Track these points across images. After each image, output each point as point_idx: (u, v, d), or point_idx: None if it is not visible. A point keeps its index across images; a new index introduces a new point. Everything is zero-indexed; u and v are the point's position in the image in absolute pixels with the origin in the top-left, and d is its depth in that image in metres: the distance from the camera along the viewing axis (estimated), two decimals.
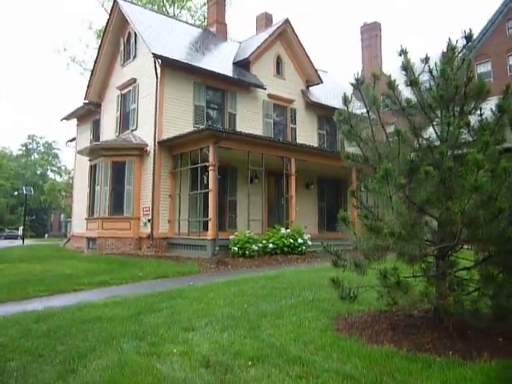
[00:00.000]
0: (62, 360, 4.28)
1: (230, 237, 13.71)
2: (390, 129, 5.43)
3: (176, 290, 8.04)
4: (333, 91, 23.52)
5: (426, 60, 5.53)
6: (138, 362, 4.13)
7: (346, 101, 5.54)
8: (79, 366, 4.09)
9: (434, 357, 4.08)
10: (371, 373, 3.73)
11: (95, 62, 19.91)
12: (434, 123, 5.20)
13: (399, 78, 5.56)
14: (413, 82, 5.27)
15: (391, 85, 5.41)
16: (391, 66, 39.80)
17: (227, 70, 18.10)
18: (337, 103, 22.16)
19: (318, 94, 21.64)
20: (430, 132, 5.32)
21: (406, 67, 5.31)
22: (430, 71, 5.41)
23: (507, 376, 3.64)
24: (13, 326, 5.63)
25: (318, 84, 21.24)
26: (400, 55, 5.54)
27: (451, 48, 5.27)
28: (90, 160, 17.70)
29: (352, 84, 5.13)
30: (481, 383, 3.50)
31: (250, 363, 4.04)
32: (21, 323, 5.79)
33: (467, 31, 5.06)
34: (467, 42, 5.07)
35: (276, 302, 6.71)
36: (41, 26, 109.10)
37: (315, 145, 20.03)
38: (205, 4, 37.59)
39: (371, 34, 39.11)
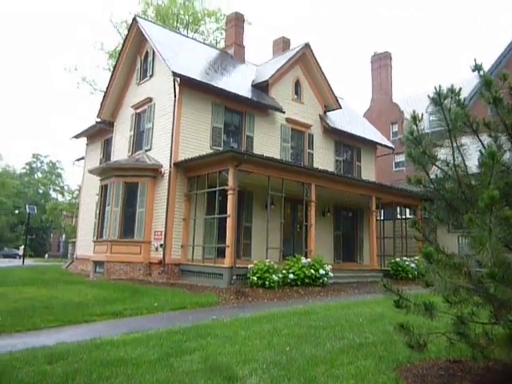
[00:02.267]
0: None
1: (249, 266, 12.89)
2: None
3: (201, 325, 7.21)
4: (348, 117, 23.08)
5: (505, 77, 4.89)
6: None
7: (415, 119, 4.86)
8: None
9: None
10: None
11: (110, 79, 19.46)
12: None
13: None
14: (496, 100, 4.60)
15: (460, 103, 4.76)
16: (400, 96, 39.64)
17: (246, 91, 17.61)
18: (352, 129, 21.69)
19: (335, 119, 21.14)
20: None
21: (489, 82, 4.65)
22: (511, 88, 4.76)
23: None
24: (23, 368, 4.81)
25: (337, 109, 20.75)
26: (474, 71, 4.90)
27: None
28: (101, 180, 17.02)
29: (432, 98, 4.45)
30: None
31: None
32: (32, 363, 4.98)
33: None
34: None
35: (320, 345, 5.89)
36: (51, 48, 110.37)
37: (332, 171, 19.38)
38: (217, 29, 37.81)
39: (382, 63, 38.95)
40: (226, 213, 13.28)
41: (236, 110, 17.31)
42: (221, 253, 13.54)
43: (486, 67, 5.04)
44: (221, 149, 15.47)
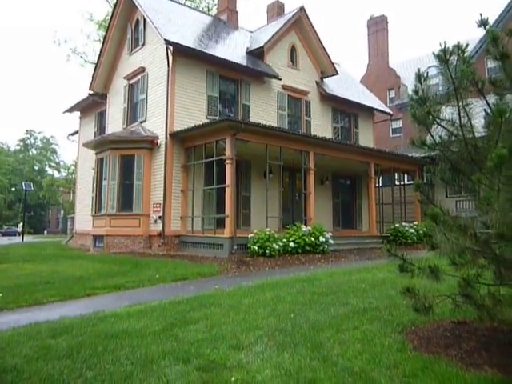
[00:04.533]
0: None
1: (249, 235, 12.87)
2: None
3: (204, 295, 7.21)
4: (345, 83, 22.72)
5: (511, 33, 4.69)
6: None
7: (420, 78, 4.70)
8: None
9: None
10: None
11: (101, 51, 18.98)
12: None
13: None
14: (503, 55, 4.42)
15: (465, 60, 4.59)
16: (397, 61, 38.96)
17: (241, 59, 17.21)
18: (349, 95, 21.38)
19: (332, 85, 20.79)
20: None
21: (496, 38, 4.46)
22: None
23: None
24: (26, 342, 4.78)
25: (334, 75, 20.39)
26: (480, 26, 4.70)
27: None
28: (96, 153, 16.80)
29: (438, 55, 4.28)
30: None
31: None
32: (35, 338, 4.95)
33: None
34: None
35: (324, 310, 5.88)
36: (39, 20, 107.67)
37: (330, 138, 19.19)
38: None
39: (378, 27, 38.14)
40: (224, 183, 13.17)
41: (231, 79, 16.96)
42: (220, 223, 13.49)
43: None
44: (217, 118, 15.21)
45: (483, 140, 4.27)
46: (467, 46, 4.42)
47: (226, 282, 8.67)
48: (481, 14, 4.67)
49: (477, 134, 4.45)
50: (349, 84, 23.45)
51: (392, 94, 35.42)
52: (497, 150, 3.41)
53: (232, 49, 17.90)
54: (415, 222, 18.06)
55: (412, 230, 17.28)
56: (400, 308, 5.73)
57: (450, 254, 4.25)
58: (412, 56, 38.71)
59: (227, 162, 13.02)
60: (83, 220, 20.44)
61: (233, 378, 3.59)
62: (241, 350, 4.30)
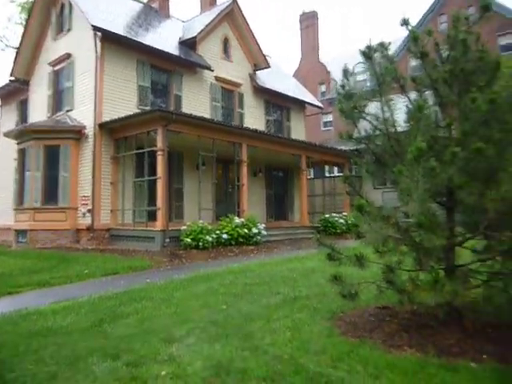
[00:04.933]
0: None
1: (182, 227, 12.73)
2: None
3: (135, 289, 7.06)
4: (278, 77, 23.02)
5: (430, 33, 4.98)
6: None
7: (346, 73, 4.87)
8: None
9: (470, 363, 3.55)
10: None
11: (23, 35, 17.81)
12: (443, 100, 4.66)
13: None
14: (423, 54, 4.69)
15: (388, 58, 4.82)
16: (328, 57, 40.00)
17: (173, 48, 16.88)
18: (281, 88, 21.70)
19: (265, 78, 20.97)
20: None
21: (416, 37, 4.71)
22: (437, 44, 4.86)
23: None
24: None
25: (266, 68, 20.56)
26: (402, 25, 4.95)
27: (459, 17, 4.74)
28: (18, 143, 15.78)
29: (363, 52, 4.45)
30: None
31: None
32: None
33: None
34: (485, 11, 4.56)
35: (256, 301, 5.98)
36: None
37: (262, 130, 19.39)
38: None
39: (309, 22, 38.87)
40: (155, 175, 12.91)
41: (163, 68, 16.60)
42: (152, 216, 13.22)
43: (413, 24, 5.11)
44: (148, 108, 14.84)
45: (405, 134, 4.49)
46: (390, 44, 4.64)
47: (157, 276, 8.53)
48: (404, 14, 4.90)
49: (399, 129, 4.68)
50: (282, 77, 23.77)
51: (323, 88, 36.35)
52: (416, 143, 3.62)
53: (164, 38, 17.51)
54: (344, 213, 18.74)
55: (341, 221, 17.92)
56: (329, 296, 5.93)
57: (375, 243, 4.48)
58: (343, 52, 39.79)
59: (159, 153, 12.76)
60: (3, 214, 19.20)
61: (163, 372, 3.56)
62: (172, 344, 4.27)
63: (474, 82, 4.45)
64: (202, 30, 17.71)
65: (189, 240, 12.23)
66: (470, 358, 3.70)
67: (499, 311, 4.07)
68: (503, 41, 26.60)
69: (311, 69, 36.95)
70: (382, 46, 4.69)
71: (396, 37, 23.17)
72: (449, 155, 3.82)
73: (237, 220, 13.60)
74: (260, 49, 20.13)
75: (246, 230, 13.44)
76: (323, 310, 5.35)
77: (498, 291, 4.14)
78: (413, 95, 4.78)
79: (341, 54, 40.39)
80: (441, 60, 4.76)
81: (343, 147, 19.55)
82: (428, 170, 3.68)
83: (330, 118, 34.36)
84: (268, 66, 20.53)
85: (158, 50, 15.77)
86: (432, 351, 3.84)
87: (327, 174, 24.48)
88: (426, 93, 4.76)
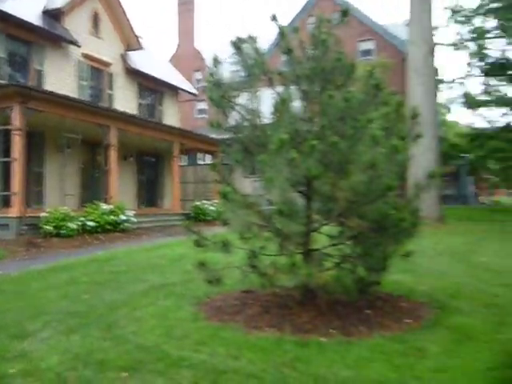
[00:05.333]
0: None
1: (41, 214, 11.77)
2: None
3: None
4: (152, 60, 22.40)
5: (296, 30, 5.27)
6: None
7: (216, 62, 4.92)
8: None
9: (320, 338, 3.90)
10: (270, 367, 3.32)
11: None
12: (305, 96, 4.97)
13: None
14: (289, 50, 4.93)
15: (258, 51, 5.00)
16: (207, 45, 39.96)
17: (35, 18, 15.35)
18: (155, 72, 21.16)
19: (138, 60, 20.22)
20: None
21: (283, 33, 4.93)
22: (302, 42, 5.15)
23: (398, 350, 3.62)
24: None
25: (138, 49, 19.82)
26: (272, 21, 5.15)
27: (322, 19, 5.08)
28: None
29: (233, 43, 4.53)
30: (381, 361, 3.40)
31: (124, 375, 3.21)
32: None
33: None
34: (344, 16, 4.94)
35: (121, 289, 5.82)
36: None
37: (133, 113, 18.73)
38: None
39: (187, 7, 38.36)
40: (10, 156, 11.72)
41: (22, 39, 15.02)
42: (7, 202, 12.02)
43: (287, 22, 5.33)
44: (5, 82, 13.35)
45: (270, 126, 4.70)
46: (257, 37, 4.79)
47: (12, 267, 7.82)
48: (274, 11, 5.08)
49: (266, 120, 4.87)
50: (156, 61, 23.14)
51: (199, 75, 36.22)
52: (278, 134, 3.81)
53: (25, 6, 15.82)
54: (215, 200, 19.02)
55: (212, 208, 18.18)
56: (196, 282, 5.98)
57: (239, 229, 4.63)
58: (222, 41, 40.06)
59: (15, 132, 11.59)
60: None
61: (12, 370, 3.29)
62: (24, 339, 3.96)
63: (332, 81, 4.83)
64: (68, 1, 16.39)
65: (49, 228, 11.37)
66: (321, 333, 4.05)
67: (347, 290, 4.48)
68: (363, 46, 29.13)
69: (187, 55, 36.58)
70: (251, 39, 4.83)
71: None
72: (308, 147, 4.08)
73: (104, 206, 12.99)
74: (132, 29, 19.31)
75: (113, 217, 12.92)
76: (189, 296, 5.41)
77: (347, 273, 4.59)
78: (280, 89, 5.02)
79: (219, 42, 40.64)
80: (306, 57, 5.06)
81: (216, 136, 19.80)
82: (289, 160, 3.91)
83: (204, 105, 34.44)
84: (141, 48, 19.83)
85: (16, 17, 14.21)
86: (289, 329, 4.11)
87: (201, 162, 24.60)
88: (294, 87, 5.03)
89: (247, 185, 7.10)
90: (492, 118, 27.10)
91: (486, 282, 6.21)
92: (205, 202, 18.56)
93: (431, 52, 16.14)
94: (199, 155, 24.28)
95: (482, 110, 24.83)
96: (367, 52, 28.65)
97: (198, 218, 17.60)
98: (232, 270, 4.87)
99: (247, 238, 4.70)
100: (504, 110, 24.01)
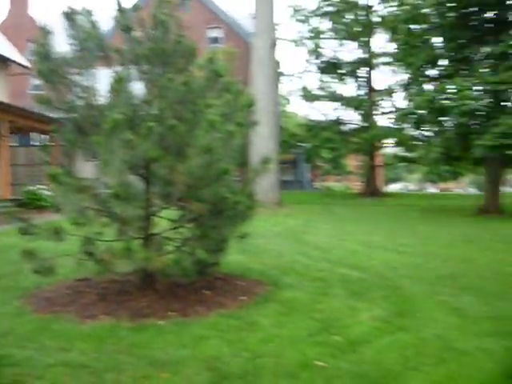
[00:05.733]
0: None
1: None
2: None
3: None
4: None
5: (136, 8, 5.09)
6: None
7: (45, 32, 4.49)
8: None
9: (158, 321, 3.91)
10: (104, 355, 3.22)
11: None
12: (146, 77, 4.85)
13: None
14: (128, 28, 4.74)
15: (94, 25, 4.72)
16: (44, 12, 36.18)
17: None
18: None
19: None
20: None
21: (123, 10, 4.72)
22: (142, 20, 4.99)
23: (232, 325, 3.80)
24: None
25: None
26: None
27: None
28: None
29: (65, 14, 4.17)
30: (216, 338, 3.54)
31: None
32: None
33: None
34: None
35: None
36: None
37: None
38: None
39: None
40: None
41: None
42: None
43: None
44: None
45: (107, 105, 4.48)
46: (93, 10, 4.50)
47: None
48: None
49: (103, 100, 4.62)
50: None
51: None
52: (112, 114, 3.66)
53: None
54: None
55: (49, 193, 16.77)
56: (24, 273, 5.49)
57: (73, 215, 4.35)
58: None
59: None
60: None
61: None
62: None
63: (173, 64, 4.79)
64: None
65: None
66: (159, 316, 4.05)
67: (186, 272, 4.54)
68: (211, 34, 29.43)
69: (21, 23, 32.73)
70: (87, 11, 4.52)
71: None
72: (145, 129, 4.00)
73: None
74: None
75: None
76: (15, 288, 4.96)
77: (186, 255, 4.65)
78: (119, 69, 4.80)
79: (59, 12, 37.14)
80: (146, 38, 4.91)
81: (54, 115, 18.22)
82: (125, 142, 3.79)
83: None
84: None
85: None
86: (126, 316, 4.03)
87: (36, 143, 22.37)
88: (134, 68, 4.85)
89: (89, 169, 6.72)
90: (326, 111, 30.05)
91: (315, 258, 6.88)
92: (40, 186, 17.00)
93: (273, 45, 17.06)
94: (35, 135, 22.05)
95: (317, 103, 27.08)
96: (215, 40, 29.03)
97: (31, 204, 16.03)
98: (66, 259, 4.57)
99: (82, 224, 4.45)
100: (335, 104, 26.61)
